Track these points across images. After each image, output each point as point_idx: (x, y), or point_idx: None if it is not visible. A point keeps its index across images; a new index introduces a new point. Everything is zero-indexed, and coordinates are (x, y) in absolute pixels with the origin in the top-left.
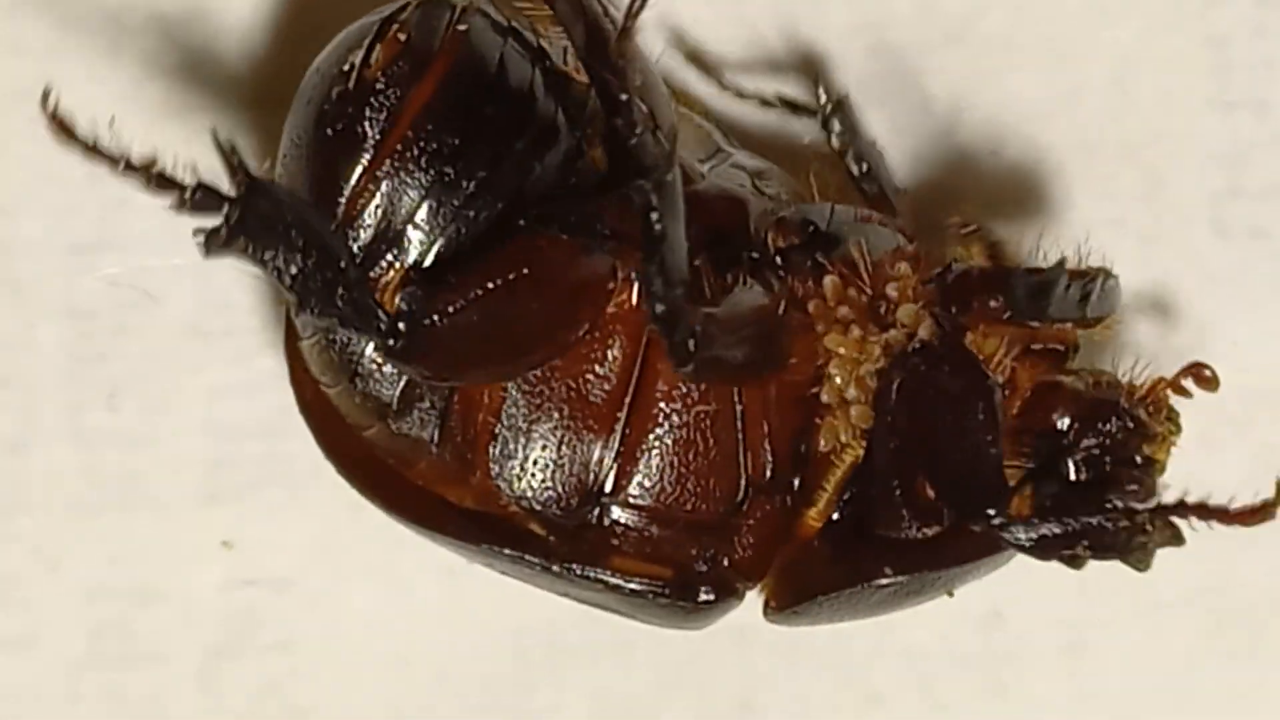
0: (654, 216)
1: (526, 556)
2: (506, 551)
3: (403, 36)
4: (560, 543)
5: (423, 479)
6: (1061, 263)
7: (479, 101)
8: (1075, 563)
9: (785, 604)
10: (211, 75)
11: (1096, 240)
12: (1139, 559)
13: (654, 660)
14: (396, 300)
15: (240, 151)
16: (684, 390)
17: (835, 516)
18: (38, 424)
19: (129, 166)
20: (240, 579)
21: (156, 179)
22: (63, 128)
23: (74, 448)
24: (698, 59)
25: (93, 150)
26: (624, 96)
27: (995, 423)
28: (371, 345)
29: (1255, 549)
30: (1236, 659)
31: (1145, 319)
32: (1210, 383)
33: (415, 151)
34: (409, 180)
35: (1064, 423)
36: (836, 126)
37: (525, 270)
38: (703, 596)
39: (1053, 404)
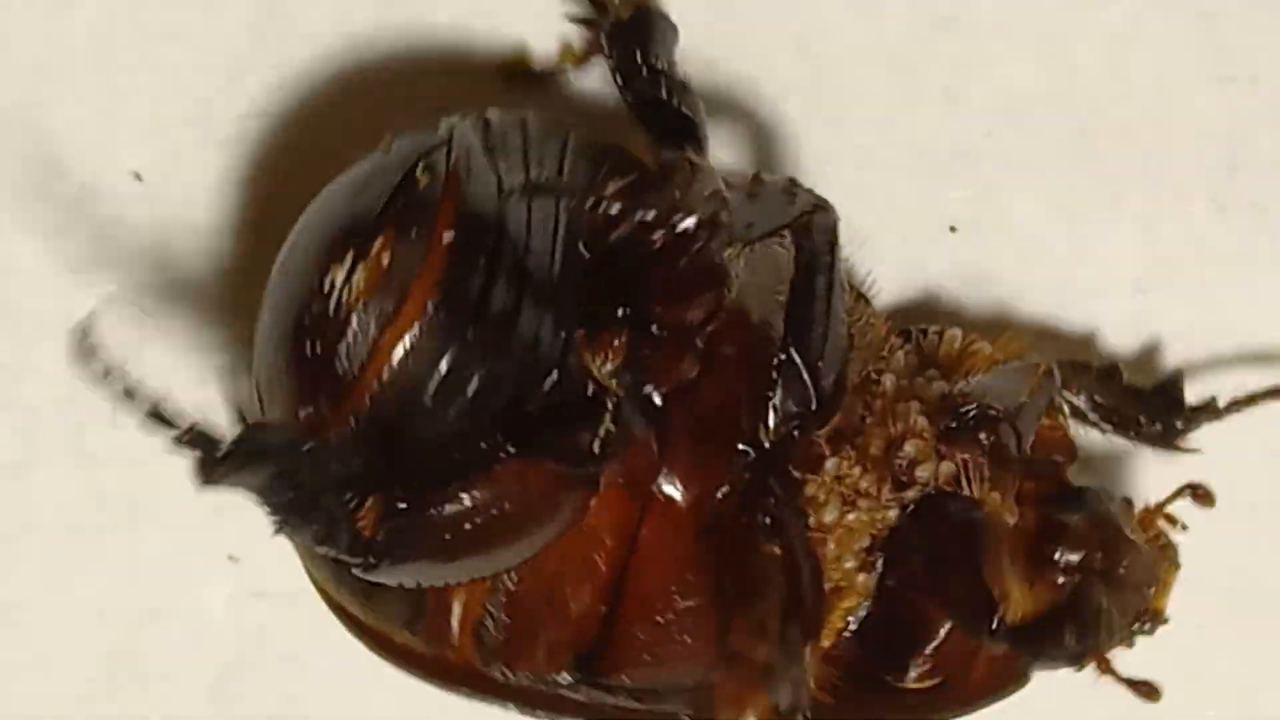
0: None
1: (510, 706)
2: (491, 699)
3: (385, 259)
4: (540, 698)
5: (404, 641)
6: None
7: (462, 324)
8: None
9: None
10: (199, 88)
11: (1097, 221)
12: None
13: None
14: (376, 528)
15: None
16: (671, 591)
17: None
18: (39, 446)
19: (141, 407)
20: (249, 592)
21: (156, 417)
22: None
23: (77, 468)
24: None
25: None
26: None
27: (984, 549)
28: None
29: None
30: (1249, 638)
31: (1147, 299)
32: (1207, 499)
33: (395, 381)
34: (386, 409)
35: (1071, 559)
36: None
37: (506, 504)
38: None
39: (1058, 542)
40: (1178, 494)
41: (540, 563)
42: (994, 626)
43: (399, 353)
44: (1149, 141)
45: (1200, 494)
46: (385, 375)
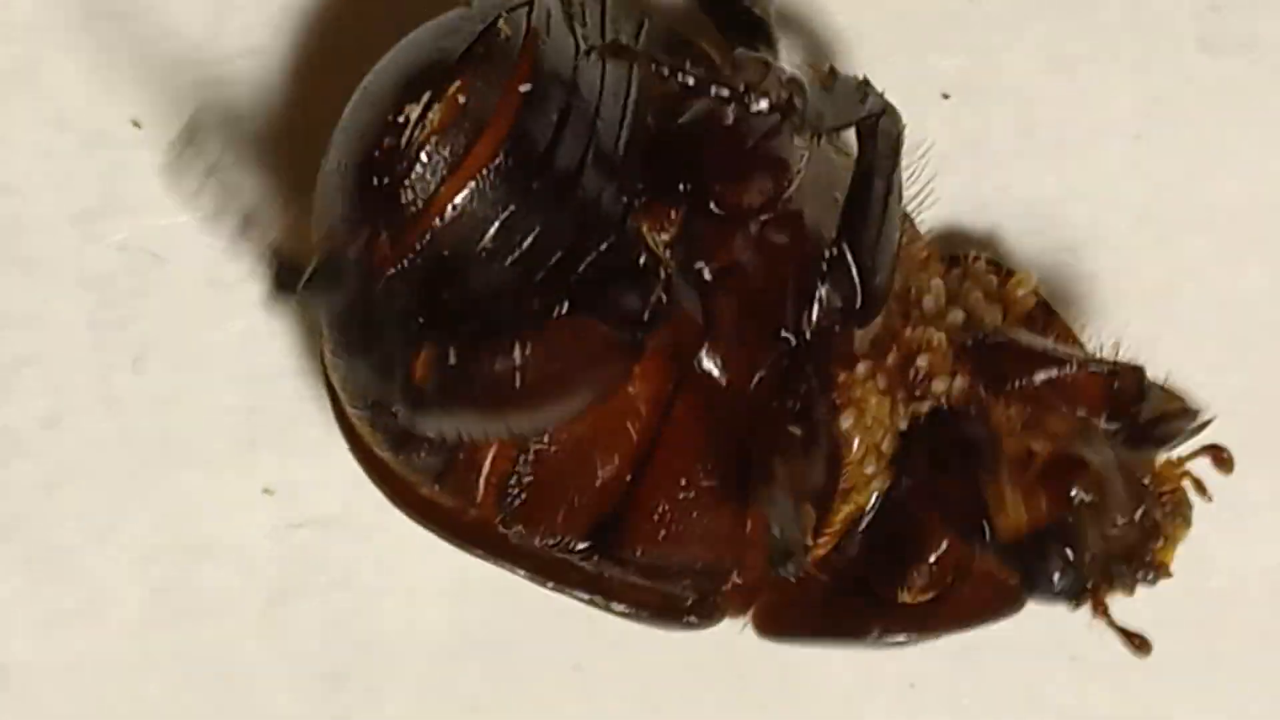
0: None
1: (519, 570)
2: (503, 561)
3: (462, 99)
4: (551, 562)
5: (427, 494)
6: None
7: (527, 175)
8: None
9: (769, 633)
10: (188, 31)
11: (1089, 74)
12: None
13: None
14: (428, 375)
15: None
16: (695, 468)
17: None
18: (68, 396)
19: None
20: (289, 523)
21: (249, 224)
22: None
23: (107, 415)
24: None
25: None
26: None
27: (984, 462)
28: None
29: None
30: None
31: (1145, 144)
32: (1227, 465)
33: (457, 222)
34: (445, 251)
35: (1081, 497)
36: None
37: (554, 363)
38: (687, 620)
39: (1072, 480)
40: (1198, 453)
41: (574, 426)
42: (985, 536)
43: (465, 193)
44: None
45: (1221, 457)
46: (448, 214)
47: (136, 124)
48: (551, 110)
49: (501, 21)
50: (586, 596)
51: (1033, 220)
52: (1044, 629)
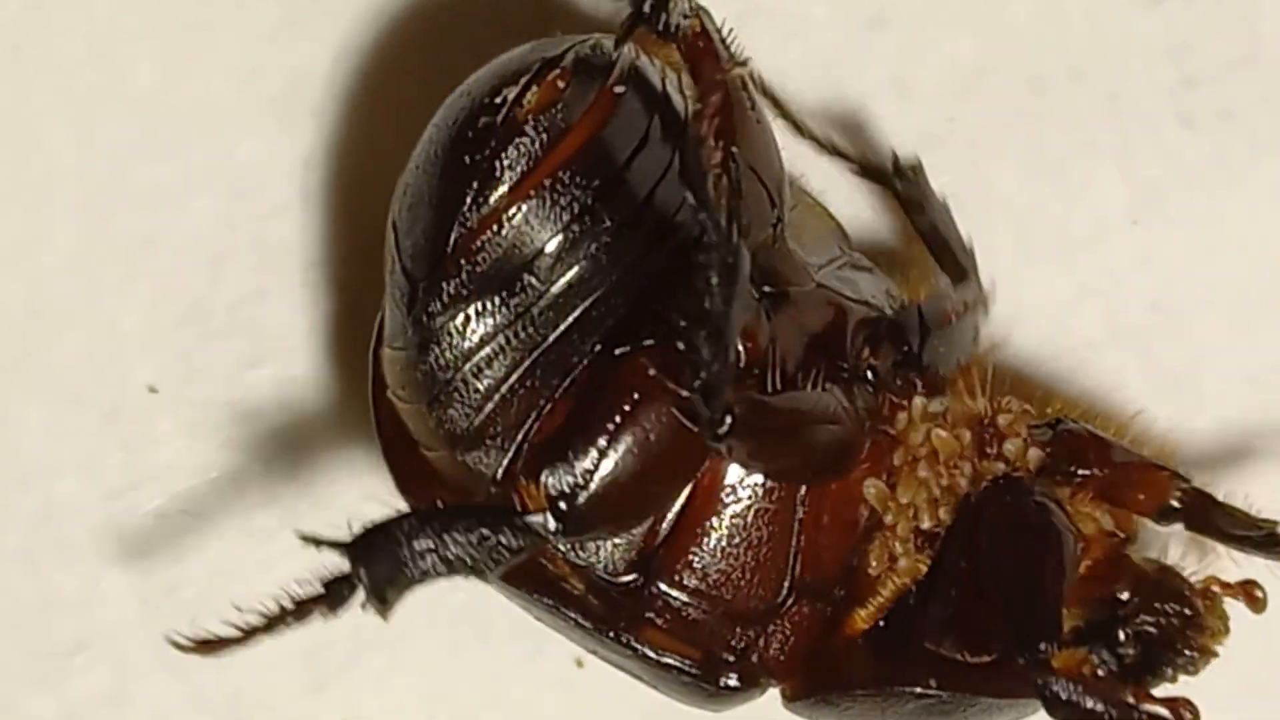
0: (710, 290)
1: (562, 609)
2: (545, 600)
3: (561, 84)
4: (598, 604)
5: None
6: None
7: (617, 168)
8: None
9: (812, 691)
10: (186, 287)
11: (1076, 171)
12: None
13: None
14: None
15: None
16: (749, 485)
17: (884, 621)
18: (130, 671)
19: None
20: None
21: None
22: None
23: (173, 683)
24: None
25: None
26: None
27: (1064, 568)
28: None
29: None
30: None
31: (1143, 228)
32: (1259, 604)
33: (547, 201)
34: (533, 226)
35: (1125, 595)
36: (910, 192)
37: (627, 407)
38: (725, 682)
39: (1119, 575)
40: (1238, 585)
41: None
42: (1040, 656)
43: (558, 174)
44: (1102, 78)
45: (1254, 595)
46: (535, 193)
47: (153, 389)
48: (640, 124)
49: (600, 38)
50: (629, 642)
51: (1047, 323)
52: None
